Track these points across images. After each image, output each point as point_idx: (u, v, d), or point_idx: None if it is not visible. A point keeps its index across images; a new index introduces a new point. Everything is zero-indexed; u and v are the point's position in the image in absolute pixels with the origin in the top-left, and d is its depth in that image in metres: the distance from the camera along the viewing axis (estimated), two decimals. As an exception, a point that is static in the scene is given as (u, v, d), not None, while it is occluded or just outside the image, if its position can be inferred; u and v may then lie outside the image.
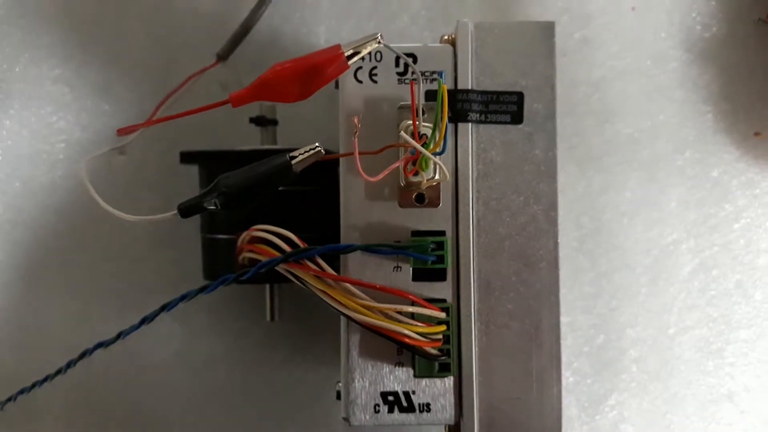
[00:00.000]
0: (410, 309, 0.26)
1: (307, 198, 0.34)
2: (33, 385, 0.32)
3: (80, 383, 0.38)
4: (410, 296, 0.26)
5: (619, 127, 0.40)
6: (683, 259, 0.40)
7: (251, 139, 0.38)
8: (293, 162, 0.25)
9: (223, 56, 0.39)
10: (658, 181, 0.40)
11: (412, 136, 0.26)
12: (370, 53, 0.27)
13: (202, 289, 0.28)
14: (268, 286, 0.36)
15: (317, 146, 0.25)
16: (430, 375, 0.27)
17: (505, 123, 0.28)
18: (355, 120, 0.24)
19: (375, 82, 0.28)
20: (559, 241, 0.28)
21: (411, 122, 0.26)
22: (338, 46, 0.25)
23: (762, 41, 0.40)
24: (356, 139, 0.24)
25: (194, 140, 0.39)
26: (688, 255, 0.40)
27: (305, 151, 0.25)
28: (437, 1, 0.40)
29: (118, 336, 0.30)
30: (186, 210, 0.26)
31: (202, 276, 0.36)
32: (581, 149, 0.40)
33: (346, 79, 0.28)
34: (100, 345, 0.30)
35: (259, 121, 0.37)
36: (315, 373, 0.39)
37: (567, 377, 0.39)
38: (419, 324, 0.26)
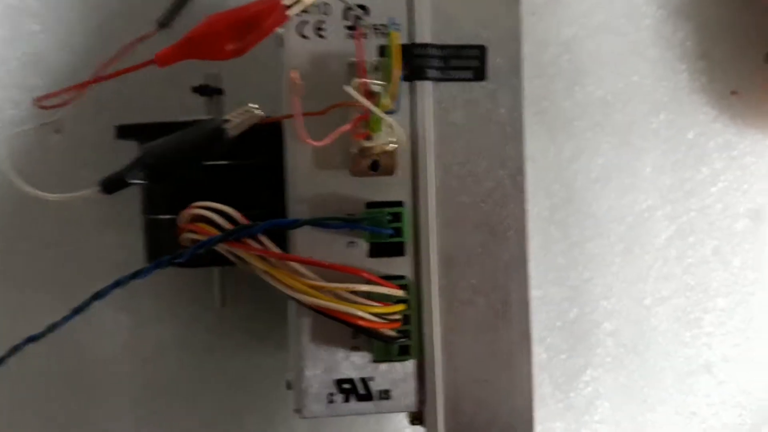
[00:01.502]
0: (365, 288, 0.23)
1: (255, 172, 0.31)
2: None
3: (20, 381, 0.36)
4: (364, 274, 0.24)
5: (591, 89, 0.38)
6: (659, 226, 0.38)
7: (197, 112, 0.35)
8: (227, 126, 0.22)
9: (163, 23, 0.36)
10: (632, 145, 0.38)
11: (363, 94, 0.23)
12: (315, 4, 0.24)
13: (135, 275, 0.26)
14: (216, 270, 0.33)
15: (253, 107, 0.22)
16: (389, 359, 0.25)
17: (467, 80, 0.26)
18: (293, 75, 0.21)
19: (322, 37, 0.25)
20: (527, 208, 0.25)
21: (361, 80, 0.23)
22: (276, -5, 0.22)
23: (739, -5, 0.38)
24: (297, 99, 0.22)
25: (136, 115, 0.36)
26: (664, 221, 0.38)
27: (240, 113, 0.22)
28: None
29: (51, 328, 0.27)
30: (108, 185, 0.23)
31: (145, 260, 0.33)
32: (551, 113, 0.38)
33: (290, 35, 0.25)
34: (31, 339, 0.28)
35: (203, 90, 0.34)
36: (273, 359, 0.37)
37: (540, 353, 0.38)
38: (375, 304, 0.23)
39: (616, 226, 0.38)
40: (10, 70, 0.36)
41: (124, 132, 0.33)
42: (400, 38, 0.21)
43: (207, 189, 0.27)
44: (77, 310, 0.27)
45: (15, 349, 0.28)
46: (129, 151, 0.34)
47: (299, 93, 0.21)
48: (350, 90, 0.22)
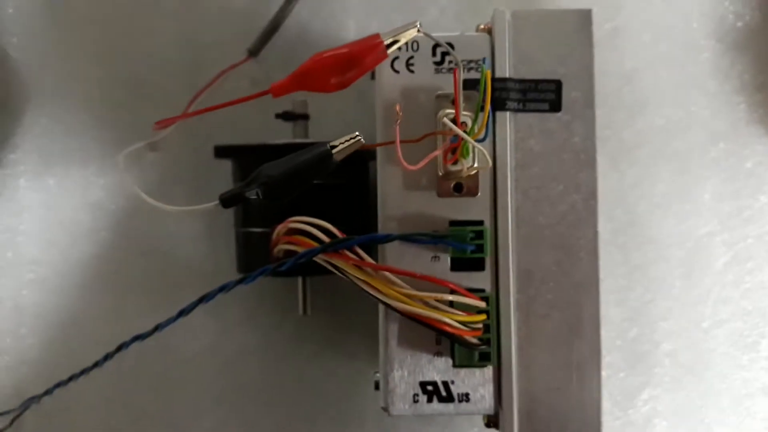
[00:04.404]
0: (450, 297, 0.25)
1: (335, 192, 0.34)
2: (69, 378, 0.32)
3: (113, 378, 0.38)
4: (450, 285, 0.26)
5: (651, 119, 0.39)
6: (717, 252, 0.39)
7: (282, 136, 0.38)
8: (334, 151, 0.25)
9: (253, 52, 0.39)
10: (691, 172, 0.39)
11: (453, 123, 0.26)
12: (407, 42, 0.27)
13: (240, 281, 0.28)
14: (300, 280, 0.36)
15: (357, 135, 0.25)
16: (469, 365, 0.27)
17: (544, 111, 0.28)
18: (397, 108, 0.24)
19: (412, 72, 0.28)
20: (599, 230, 0.28)
21: (449, 111, 0.26)
22: (377, 35, 0.25)
23: (797, 30, 0.39)
24: (398, 127, 0.24)
25: (225, 137, 0.39)
26: (722, 247, 0.39)
27: (346, 140, 0.25)
28: (465, -7, 0.40)
29: (156, 328, 0.30)
30: (228, 200, 0.26)
31: (236, 270, 0.36)
32: (613, 142, 0.39)
33: (383, 69, 0.28)
34: (137, 338, 0.30)
35: (286, 116, 0.37)
36: (346, 368, 0.39)
37: (600, 371, 0.39)
38: (460, 313, 0.26)
39: (675, 251, 0.39)
40: (112, 92, 0.40)
41: (222, 152, 0.36)
42: (490, 76, 0.24)
43: (295, 206, 0.30)
44: (183, 312, 0.29)
45: (122, 347, 0.31)
46: (218, 169, 0.38)
47: (399, 122, 0.24)
48: (448, 122, 0.24)
